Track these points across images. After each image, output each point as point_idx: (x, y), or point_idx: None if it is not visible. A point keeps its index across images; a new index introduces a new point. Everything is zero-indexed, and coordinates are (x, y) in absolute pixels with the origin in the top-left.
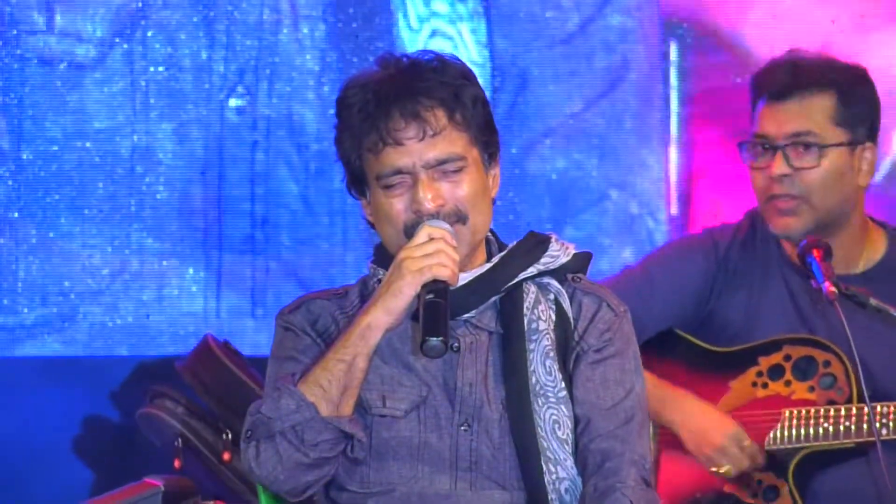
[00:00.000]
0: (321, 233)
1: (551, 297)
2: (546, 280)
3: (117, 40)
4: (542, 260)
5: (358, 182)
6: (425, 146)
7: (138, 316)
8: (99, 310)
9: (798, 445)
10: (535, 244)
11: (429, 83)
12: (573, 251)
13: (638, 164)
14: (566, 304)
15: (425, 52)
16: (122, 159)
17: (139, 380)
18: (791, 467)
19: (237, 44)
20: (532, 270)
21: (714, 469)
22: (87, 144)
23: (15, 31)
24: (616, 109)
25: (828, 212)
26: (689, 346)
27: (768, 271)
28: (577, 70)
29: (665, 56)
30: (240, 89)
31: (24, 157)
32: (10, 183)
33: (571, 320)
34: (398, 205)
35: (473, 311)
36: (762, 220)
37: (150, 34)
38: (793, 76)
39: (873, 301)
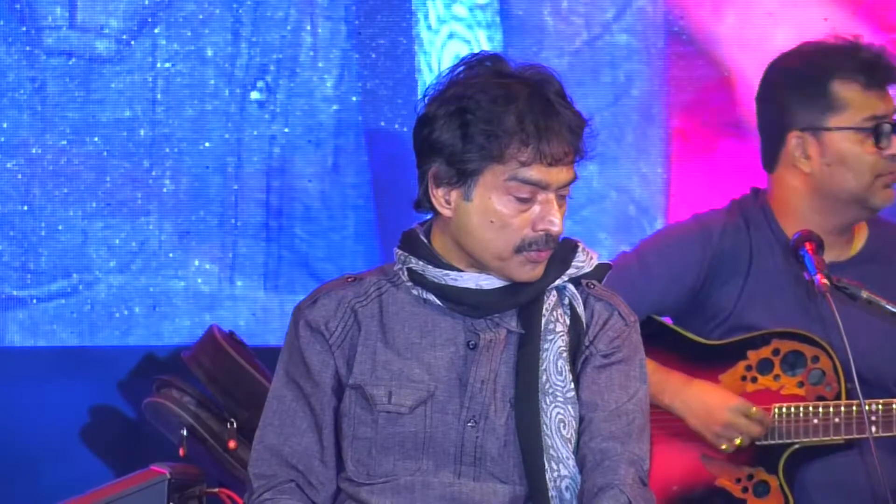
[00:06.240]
0: (335, 226)
1: (566, 300)
2: (564, 283)
3: (135, 28)
4: (570, 270)
5: (457, 174)
6: (567, 171)
7: (145, 306)
8: (107, 300)
9: (788, 441)
10: (568, 251)
11: (579, 114)
12: (596, 262)
13: (637, 174)
14: (580, 309)
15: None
16: (141, 146)
17: (146, 370)
18: (781, 462)
19: (260, 38)
20: (564, 278)
21: (725, 446)
22: (100, 137)
23: (32, 28)
24: (618, 122)
25: None
26: (679, 339)
27: (761, 259)
28: (583, 82)
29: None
30: (260, 84)
31: (34, 151)
32: (19, 177)
33: (584, 324)
34: (519, 219)
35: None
36: (754, 208)
37: (171, 31)
38: (889, 64)
39: (864, 293)
